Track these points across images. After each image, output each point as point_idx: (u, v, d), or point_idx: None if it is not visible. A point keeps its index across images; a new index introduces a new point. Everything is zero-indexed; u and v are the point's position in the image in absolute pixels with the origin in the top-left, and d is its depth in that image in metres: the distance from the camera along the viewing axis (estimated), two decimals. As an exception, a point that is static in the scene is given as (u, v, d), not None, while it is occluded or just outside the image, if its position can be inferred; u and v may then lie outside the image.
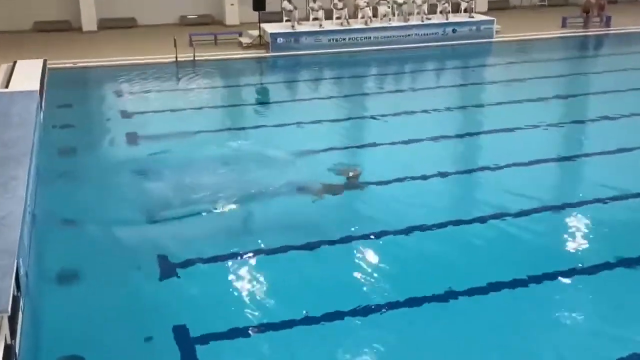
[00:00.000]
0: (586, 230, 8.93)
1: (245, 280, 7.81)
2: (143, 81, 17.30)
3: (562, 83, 17.43)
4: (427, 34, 21.84)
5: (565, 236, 8.87)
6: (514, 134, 12.79)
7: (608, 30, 23.76)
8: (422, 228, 8.91)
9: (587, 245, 8.58)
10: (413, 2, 22.20)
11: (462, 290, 7.42)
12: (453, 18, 22.43)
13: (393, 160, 11.56)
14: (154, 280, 7.79)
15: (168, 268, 7.99)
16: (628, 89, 15.85)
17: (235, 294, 7.58)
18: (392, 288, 7.53)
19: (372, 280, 7.72)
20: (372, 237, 8.67)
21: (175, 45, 19.10)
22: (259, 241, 8.68)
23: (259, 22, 21.14)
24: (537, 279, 7.65)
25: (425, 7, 22.17)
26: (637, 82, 16.60)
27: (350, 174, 10.62)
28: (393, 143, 12.29)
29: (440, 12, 22.56)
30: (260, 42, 20.97)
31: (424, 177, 10.63)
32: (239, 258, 8.27)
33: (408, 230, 8.83)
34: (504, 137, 12.71)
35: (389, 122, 13.83)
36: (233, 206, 9.64)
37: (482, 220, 9.11)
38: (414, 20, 22.12)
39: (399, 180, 10.52)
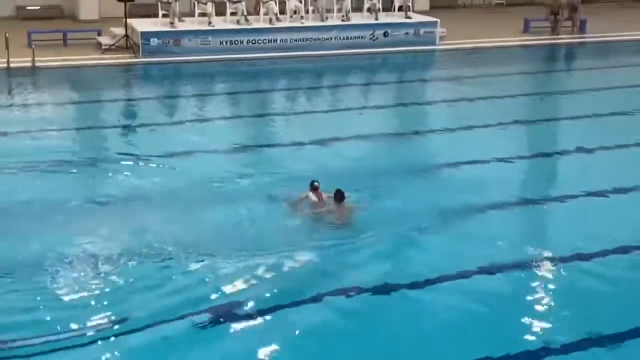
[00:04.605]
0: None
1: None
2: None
3: (522, 105, 18.03)
4: (350, 38, 22.20)
5: None
6: (471, 168, 13.12)
7: (582, 38, 24.84)
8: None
9: None
10: (332, -5, 22.68)
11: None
12: (384, 18, 22.97)
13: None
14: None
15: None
16: (609, 113, 16.51)
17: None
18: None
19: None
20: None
21: (6, 46, 18.71)
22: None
23: (125, 17, 20.97)
24: None
25: (348, 2, 22.58)
26: (620, 104, 17.28)
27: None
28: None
29: (368, 10, 23.03)
30: (127, 44, 20.79)
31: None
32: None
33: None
34: (459, 173, 13.02)
35: (301, 151, 14.02)
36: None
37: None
38: (334, 20, 22.49)
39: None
